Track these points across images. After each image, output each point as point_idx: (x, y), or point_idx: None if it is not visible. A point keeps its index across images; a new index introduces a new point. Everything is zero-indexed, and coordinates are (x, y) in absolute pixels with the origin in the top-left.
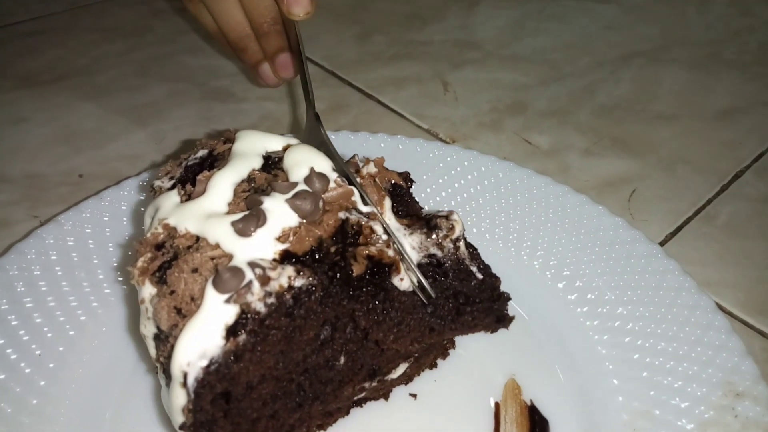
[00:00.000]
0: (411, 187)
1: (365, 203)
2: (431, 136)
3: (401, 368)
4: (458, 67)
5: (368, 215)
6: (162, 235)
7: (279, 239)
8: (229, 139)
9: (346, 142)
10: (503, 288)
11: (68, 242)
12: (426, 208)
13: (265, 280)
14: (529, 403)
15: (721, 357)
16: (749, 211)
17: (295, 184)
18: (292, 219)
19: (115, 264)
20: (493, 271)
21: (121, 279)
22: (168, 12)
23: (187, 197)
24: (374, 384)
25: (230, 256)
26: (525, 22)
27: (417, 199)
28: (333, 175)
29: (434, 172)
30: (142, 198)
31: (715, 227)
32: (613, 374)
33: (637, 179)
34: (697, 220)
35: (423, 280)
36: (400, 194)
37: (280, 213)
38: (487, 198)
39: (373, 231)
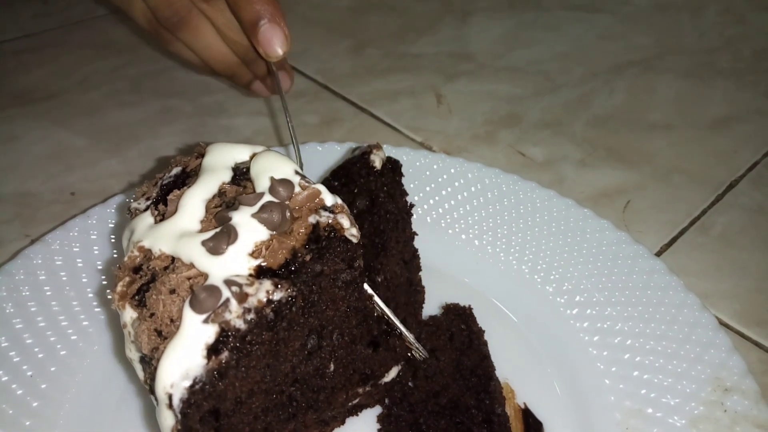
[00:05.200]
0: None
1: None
2: (425, 149)
3: (394, 371)
4: (452, 79)
5: (334, 209)
6: (138, 258)
7: (252, 255)
8: (201, 153)
9: (332, 153)
10: (493, 292)
11: (56, 262)
12: (414, 216)
13: (242, 297)
14: (522, 407)
15: (709, 353)
16: (744, 221)
17: (261, 195)
18: (262, 233)
19: (104, 282)
20: (483, 276)
21: (110, 297)
22: None
23: (161, 217)
24: (368, 388)
25: (206, 275)
26: (518, 32)
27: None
28: (296, 179)
29: (422, 180)
30: (128, 215)
31: (711, 238)
32: (604, 374)
33: (632, 190)
34: (693, 230)
35: (415, 343)
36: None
37: (249, 227)
38: (474, 204)
39: (342, 227)
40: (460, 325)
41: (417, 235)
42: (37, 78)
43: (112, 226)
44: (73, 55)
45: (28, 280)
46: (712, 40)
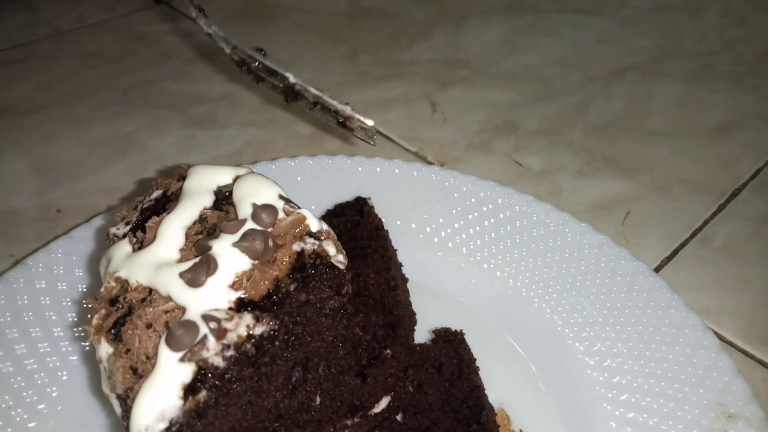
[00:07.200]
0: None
1: None
2: (420, 159)
3: (384, 402)
4: (447, 86)
5: (320, 235)
6: (115, 289)
7: (233, 286)
8: (182, 176)
9: (323, 168)
10: (488, 311)
11: (37, 285)
12: (406, 232)
13: (221, 333)
14: None
15: (712, 377)
16: (748, 231)
17: (243, 222)
18: (243, 262)
19: (88, 306)
20: (477, 295)
21: (78, 333)
22: (151, 37)
23: (140, 245)
24: (357, 420)
25: (184, 309)
26: (515, 37)
27: (397, 222)
28: (280, 204)
29: (414, 194)
30: (107, 242)
31: (713, 250)
32: (603, 398)
33: (632, 201)
34: (694, 242)
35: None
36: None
37: (230, 257)
38: (469, 219)
39: (328, 254)
40: (449, 353)
41: (402, 266)
42: (24, 90)
43: (95, 247)
44: (62, 65)
45: (9, 306)
46: (712, 43)
